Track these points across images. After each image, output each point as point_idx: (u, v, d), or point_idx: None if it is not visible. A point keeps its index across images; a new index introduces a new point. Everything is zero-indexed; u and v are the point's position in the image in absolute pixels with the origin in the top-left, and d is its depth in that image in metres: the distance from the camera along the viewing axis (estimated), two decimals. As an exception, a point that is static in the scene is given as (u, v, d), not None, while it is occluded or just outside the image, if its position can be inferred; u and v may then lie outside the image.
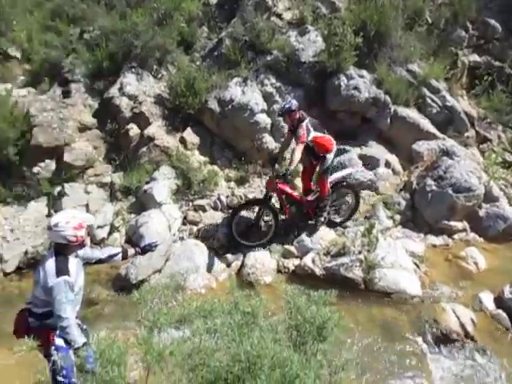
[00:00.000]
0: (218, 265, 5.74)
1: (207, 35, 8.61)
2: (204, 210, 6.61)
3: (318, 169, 5.99)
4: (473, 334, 4.62)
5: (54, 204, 6.47)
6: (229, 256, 5.86)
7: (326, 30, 7.58)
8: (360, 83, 7.41)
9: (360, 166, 6.76)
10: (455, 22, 8.91)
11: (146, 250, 3.79)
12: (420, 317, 4.88)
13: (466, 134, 7.92)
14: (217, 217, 6.43)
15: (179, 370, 2.39)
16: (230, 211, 6.21)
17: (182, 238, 6.18)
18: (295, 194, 6.04)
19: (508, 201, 6.73)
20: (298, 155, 5.45)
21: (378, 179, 7.06)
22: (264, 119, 7.28)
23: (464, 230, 6.50)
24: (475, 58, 8.95)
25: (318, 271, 5.51)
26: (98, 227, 6.13)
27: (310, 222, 6.17)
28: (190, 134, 7.39)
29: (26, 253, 5.78)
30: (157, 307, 2.82)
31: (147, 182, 6.73)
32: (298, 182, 6.65)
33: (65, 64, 8.01)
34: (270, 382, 2.11)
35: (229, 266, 5.80)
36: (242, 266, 5.72)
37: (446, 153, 7.07)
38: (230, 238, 5.99)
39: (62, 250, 3.02)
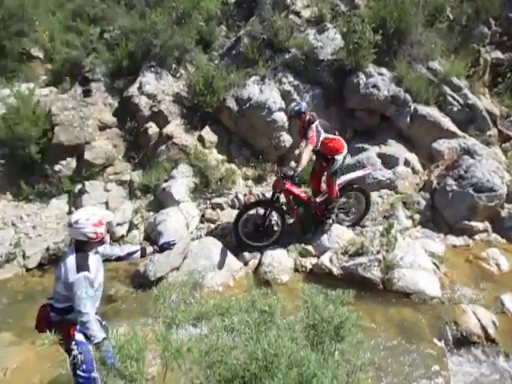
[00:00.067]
0: (236, 263, 5.74)
1: (225, 34, 8.65)
2: (222, 209, 6.65)
3: (326, 171, 5.89)
4: (494, 336, 4.51)
5: (75, 201, 6.59)
6: (246, 254, 5.86)
7: (344, 27, 7.49)
8: (379, 81, 7.32)
9: (372, 168, 6.66)
10: (477, 19, 8.69)
11: (164, 248, 3.81)
12: (439, 318, 4.77)
13: (488, 133, 7.71)
14: (234, 215, 6.42)
15: (196, 366, 2.41)
16: (237, 211, 6.16)
17: (199, 236, 6.20)
18: (303, 194, 5.97)
19: (532, 201, 6.55)
20: (305, 157, 5.35)
21: (396, 178, 6.96)
22: (282, 118, 7.27)
23: (485, 230, 6.37)
24: (498, 54, 8.71)
25: (336, 270, 5.48)
26: (118, 224, 6.20)
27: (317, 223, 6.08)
28: (208, 133, 7.44)
29: (47, 249, 5.89)
30: (175, 304, 2.85)
31: (165, 180, 6.80)
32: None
33: (85, 63, 8.13)
34: (287, 381, 2.11)
35: (246, 264, 5.80)
36: (259, 264, 5.72)
37: (467, 152, 6.93)
38: (237, 238, 5.94)
39: (82, 246, 3.06)
